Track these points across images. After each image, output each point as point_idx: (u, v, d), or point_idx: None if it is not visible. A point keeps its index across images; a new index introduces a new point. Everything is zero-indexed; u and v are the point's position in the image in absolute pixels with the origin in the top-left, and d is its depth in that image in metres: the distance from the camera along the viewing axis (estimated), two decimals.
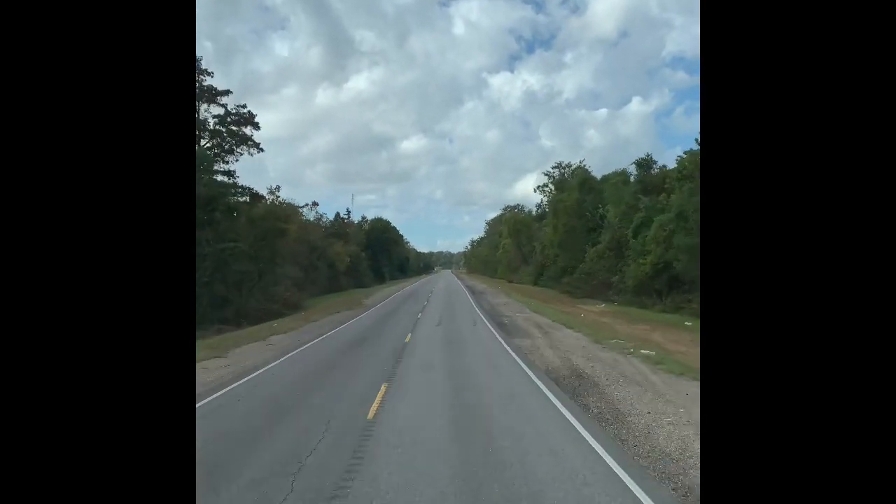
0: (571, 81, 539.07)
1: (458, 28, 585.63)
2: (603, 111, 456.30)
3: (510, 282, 66.32)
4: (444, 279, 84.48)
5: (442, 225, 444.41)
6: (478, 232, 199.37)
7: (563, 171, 71.51)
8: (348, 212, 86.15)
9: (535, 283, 55.53)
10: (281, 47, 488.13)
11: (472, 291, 41.24)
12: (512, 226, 72.53)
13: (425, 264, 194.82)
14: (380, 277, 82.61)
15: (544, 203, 72.80)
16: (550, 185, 72.69)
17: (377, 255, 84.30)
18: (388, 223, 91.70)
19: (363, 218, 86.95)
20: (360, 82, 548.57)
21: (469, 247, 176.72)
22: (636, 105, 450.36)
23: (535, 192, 72.83)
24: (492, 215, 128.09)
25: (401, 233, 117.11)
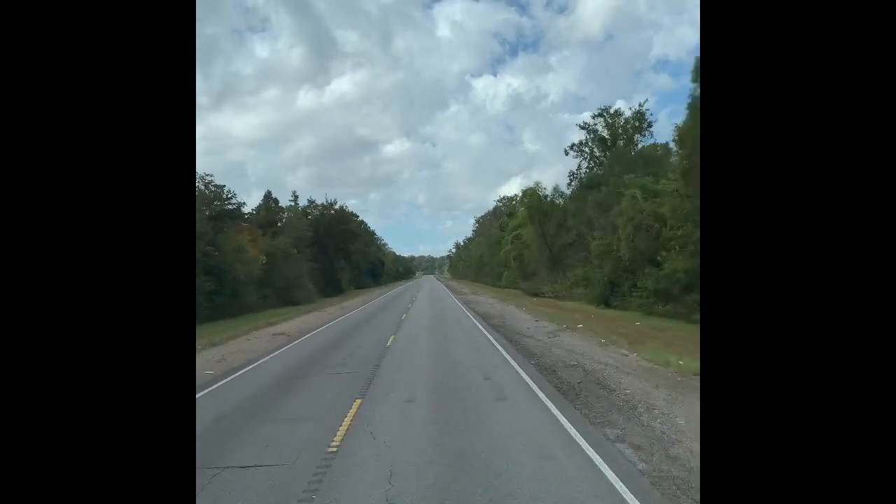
0: (555, 85, 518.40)
1: (443, 30, 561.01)
2: (586, 115, 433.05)
3: (535, 295, 37.05)
4: (426, 290, 53.91)
5: (424, 230, 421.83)
6: (460, 237, 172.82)
7: (611, 119, 43.05)
8: (295, 196, 55.92)
9: (607, 304, 26.65)
10: (262, 48, 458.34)
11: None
12: (535, 207, 43.36)
13: (405, 269, 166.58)
14: (334, 286, 52.81)
15: (582, 169, 44.17)
16: (590, 145, 44.15)
17: (329, 254, 54.42)
18: (346, 211, 61.15)
19: (311, 202, 56.78)
20: (343, 84, 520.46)
21: (453, 250, 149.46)
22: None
23: (568, 153, 44.14)
24: (478, 215, 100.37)
25: (370, 227, 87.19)
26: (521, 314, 21.07)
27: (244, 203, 40.23)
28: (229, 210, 34.77)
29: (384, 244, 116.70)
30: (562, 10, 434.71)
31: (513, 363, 9.51)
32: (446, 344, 12.22)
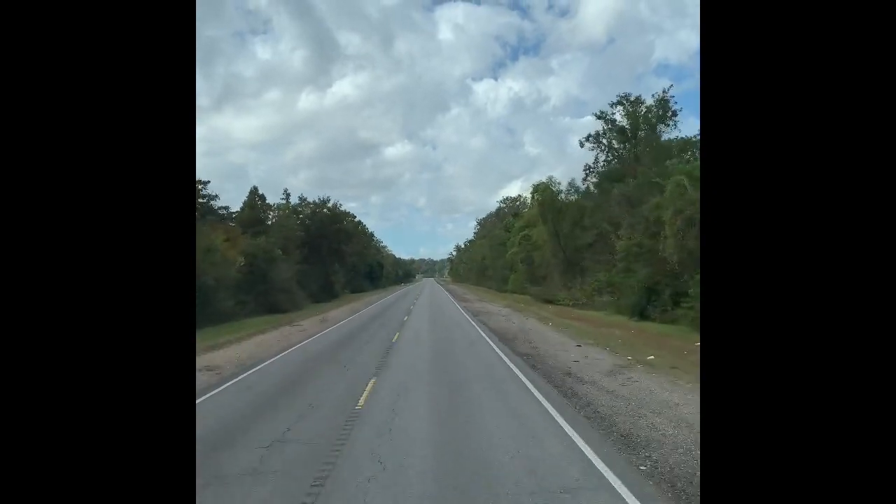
0: (557, 88, 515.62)
1: (444, 33, 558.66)
2: (588, 119, 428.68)
3: (550, 302, 32.22)
4: (426, 296, 49.04)
5: (424, 233, 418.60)
6: (461, 239, 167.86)
7: (631, 108, 38.26)
8: (287, 194, 51.09)
9: (643, 315, 21.83)
10: (264, 50, 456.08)
11: None
12: (548, 204, 38.45)
13: (405, 272, 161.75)
14: (327, 290, 47.94)
15: (600, 162, 39.36)
16: (609, 136, 39.36)
17: (322, 255, 49.55)
18: (340, 209, 56.24)
19: (302, 200, 51.89)
20: (344, 87, 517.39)
21: (454, 253, 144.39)
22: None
23: (584, 145, 39.30)
24: (480, 216, 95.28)
25: (369, 229, 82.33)
26: (549, 333, 16.20)
27: (216, 196, 35.56)
28: (199, 204, 30.02)
29: (384, 247, 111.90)
30: (563, 14, 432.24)
31: (604, 471, 4.62)
32: (460, 402, 7.23)
